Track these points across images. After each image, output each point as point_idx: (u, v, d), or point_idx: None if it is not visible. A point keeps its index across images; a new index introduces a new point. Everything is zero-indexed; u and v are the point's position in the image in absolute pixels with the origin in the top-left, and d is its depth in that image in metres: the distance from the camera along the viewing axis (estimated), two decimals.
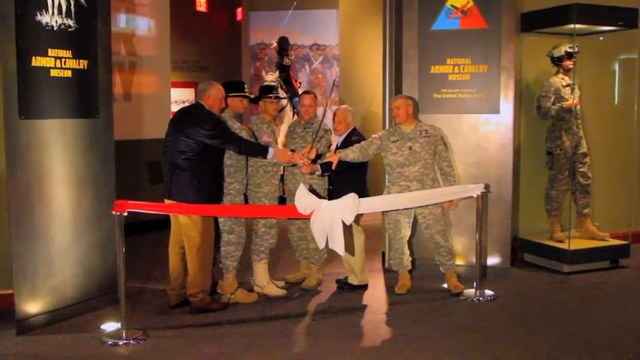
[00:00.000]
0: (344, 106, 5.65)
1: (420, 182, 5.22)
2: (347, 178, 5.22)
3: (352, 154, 5.18)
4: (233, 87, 5.17)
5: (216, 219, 5.00)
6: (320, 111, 6.05)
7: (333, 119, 5.51)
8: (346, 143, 5.38)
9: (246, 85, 5.27)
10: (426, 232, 5.32)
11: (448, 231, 5.51)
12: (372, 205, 5.11)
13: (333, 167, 5.10)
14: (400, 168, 5.24)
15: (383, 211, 5.48)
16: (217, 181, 4.94)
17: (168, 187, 4.80)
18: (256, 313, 4.88)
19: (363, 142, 5.28)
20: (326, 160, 5.14)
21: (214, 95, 4.87)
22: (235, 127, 4.99)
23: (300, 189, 4.70)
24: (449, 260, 5.35)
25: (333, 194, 5.21)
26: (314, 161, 5.05)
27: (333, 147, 5.55)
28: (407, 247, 5.41)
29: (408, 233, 5.37)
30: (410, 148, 5.22)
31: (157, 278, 5.69)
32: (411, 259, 5.50)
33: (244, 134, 4.98)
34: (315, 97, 5.53)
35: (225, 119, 4.97)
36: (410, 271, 5.50)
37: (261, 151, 4.92)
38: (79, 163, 4.75)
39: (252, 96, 5.32)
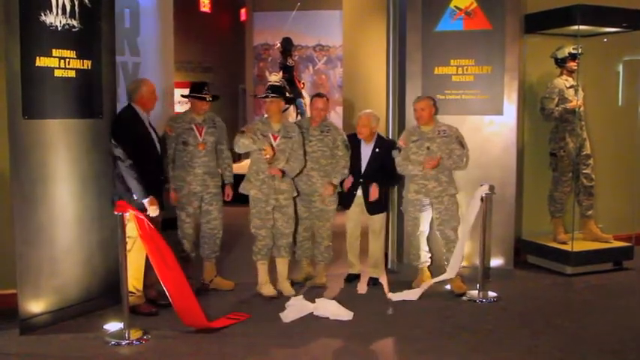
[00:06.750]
0: (368, 110, 5.54)
1: (436, 181, 5.29)
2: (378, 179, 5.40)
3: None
4: (194, 89, 5.28)
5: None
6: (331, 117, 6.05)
7: (357, 122, 5.50)
8: (377, 155, 5.43)
9: (206, 87, 5.28)
10: (439, 228, 5.38)
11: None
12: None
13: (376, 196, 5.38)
14: (419, 167, 5.29)
15: (388, 213, 5.55)
16: (155, 175, 4.86)
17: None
18: (258, 312, 4.88)
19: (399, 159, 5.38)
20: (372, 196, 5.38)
21: (145, 92, 4.83)
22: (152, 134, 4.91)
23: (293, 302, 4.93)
24: None
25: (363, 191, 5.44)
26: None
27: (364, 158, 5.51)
28: (425, 243, 5.50)
29: (427, 229, 5.47)
30: (428, 147, 5.27)
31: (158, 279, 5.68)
32: (430, 254, 5.55)
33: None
34: (327, 100, 5.51)
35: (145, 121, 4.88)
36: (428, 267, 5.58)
37: (137, 189, 4.63)
38: (83, 164, 4.75)
39: (208, 98, 5.26)
